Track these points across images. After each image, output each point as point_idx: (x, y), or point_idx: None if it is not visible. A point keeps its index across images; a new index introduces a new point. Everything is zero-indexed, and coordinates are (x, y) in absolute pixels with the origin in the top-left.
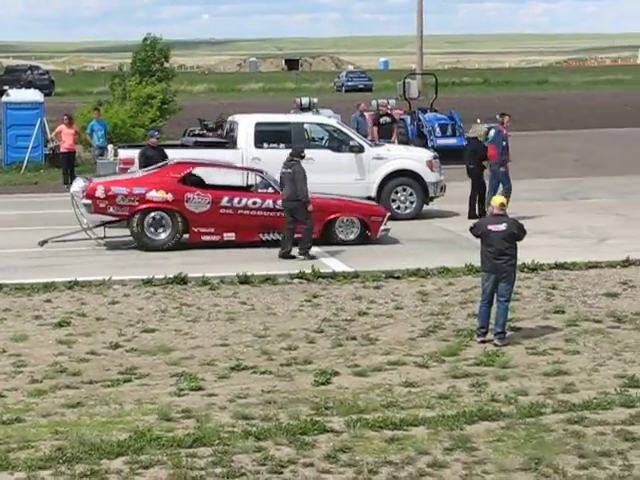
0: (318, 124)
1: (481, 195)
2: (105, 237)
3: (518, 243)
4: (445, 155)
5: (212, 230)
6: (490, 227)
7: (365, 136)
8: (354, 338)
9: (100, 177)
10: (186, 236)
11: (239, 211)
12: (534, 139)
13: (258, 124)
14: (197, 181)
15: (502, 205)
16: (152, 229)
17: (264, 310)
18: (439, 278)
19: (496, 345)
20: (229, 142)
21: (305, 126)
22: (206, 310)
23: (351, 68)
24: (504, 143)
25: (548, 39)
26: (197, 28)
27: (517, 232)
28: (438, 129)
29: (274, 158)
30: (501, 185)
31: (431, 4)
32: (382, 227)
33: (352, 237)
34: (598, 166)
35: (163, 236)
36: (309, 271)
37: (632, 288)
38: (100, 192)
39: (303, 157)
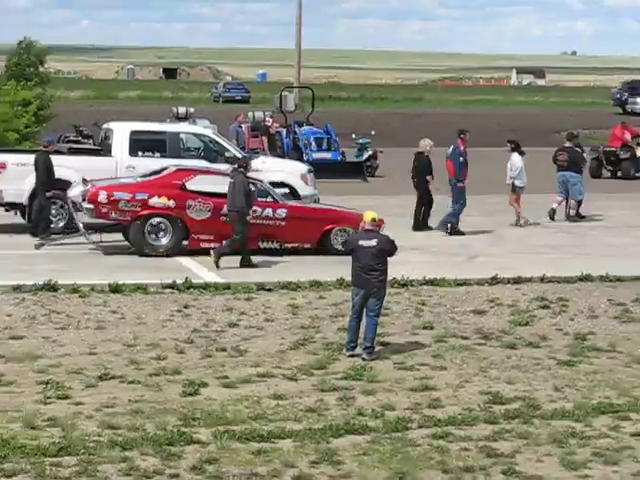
0: (194, 134)
1: (427, 208)
2: (102, 241)
3: (390, 259)
4: (320, 169)
5: (211, 237)
6: (361, 243)
7: (243, 148)
8: (224, 349)
9: (99, 181)
10: (185, 242)
11: None
12: (409, 155)
13: (133, 132)
14: (198, 188)
15: (373, 220)
16: (153, 235)
17: (134, 319)
18: (310, 291)
19: (365, 359)
20: (103, 149)
21: (181, 136)
22: (75, 318)
23: (229, 79)
24: (461, 159)
25: (424, 57)
26: (77, 34)
27: (388, 248)
28: (314, 143)
29: (148, 167)
30: (452, 201)
31: (311, 18)
32: None
33: None
34: (468, 185)
35: (164, 241)
36: (181, 281)
37: (499, 306)
38: (103, 197)
39: (248, 168)
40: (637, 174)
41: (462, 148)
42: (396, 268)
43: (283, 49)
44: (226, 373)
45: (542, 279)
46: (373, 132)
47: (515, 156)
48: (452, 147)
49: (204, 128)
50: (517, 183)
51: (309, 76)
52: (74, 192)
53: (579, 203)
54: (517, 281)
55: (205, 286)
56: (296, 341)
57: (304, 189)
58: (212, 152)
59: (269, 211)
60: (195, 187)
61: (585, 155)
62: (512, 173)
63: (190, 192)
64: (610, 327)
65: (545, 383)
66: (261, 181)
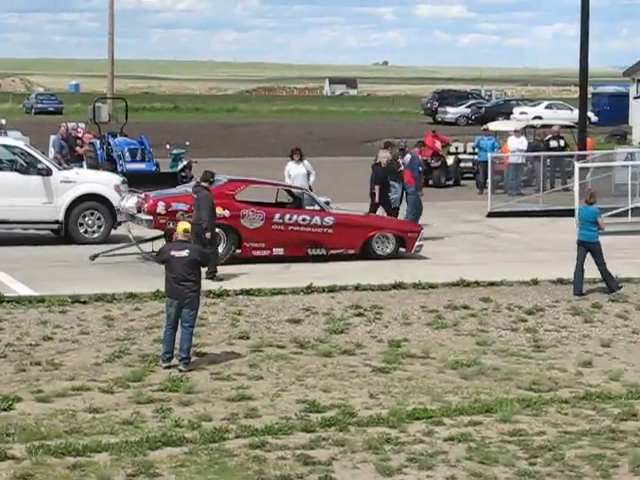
0: (5, 146)
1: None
2: (154, 251)
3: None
4: (134, 180)
5: (263, 245)
6: (173, 253)
7: (68, 160)
8: (38, 363)
9: (150, 193)
10: (238, 251)
11: (289, 227)
12: (223, 165)
13: None
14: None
15: (186, 231)
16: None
17: None
18: (126, 303)
19: (181, 370)
20: None
21: None
22: None
23: (41, 90)
24: (420, 168)
25: (238, 67)
26: None
27: (200, 259)
28: (128, 154)
29: None
30: (409, 208)
31: (124, 28)
32: (417, 243)
33: (388, 252)
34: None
35: (219, 250)
36: None
37: (314, 314)
38: (161, 208)
39: (212, 182)
40: (448, 182)
41: (420, 158)
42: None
43: (96, 60)
44: (41, 387)
45: (357, 287)
46: (188, 142)
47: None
48: (410, 157)
49: (16, 140)
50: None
51: (123, 87)
52: (129, 203)
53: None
54: (332, 289)
55: (19, 300)
56: (112, 354)
57: (118, 200)
58: (24, 164)
59: (317, 219)
60: (247, 197)
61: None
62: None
63: (243, 202)
64: (423, 333)
65: (360, 390)
66: (305, 190)
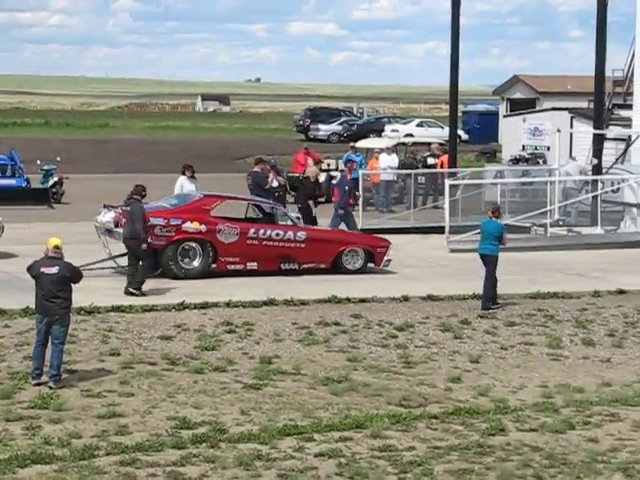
0: None
1: None
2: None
3: (76, 286)
4: (4, 196)
5: (237, 259)
6: (43, 269)
7: None
8: None
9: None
10: (213, 265)
11: (263, 242)
12: (95, 182)
13: None
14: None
15: (56, 248)
16: (187, 259)
17: None
18: None
19: (51, 388)
20: None
21: None
22: None
23: None
24: (346, 187)
25: (110, 83)
26: None
27: (70, 275)
28: None
29: None
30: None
31: None
32: (386, 257)
33: (357, 266)
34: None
35: (196, 264)
36: None
37: (186, 331)
38: None
39: (144, 196)
40: (320, 199)
41: (348, 177)
42: (81, 295)
43: None
44: None
45: (228, 304)
46: (59, 158)
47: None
48: (340, 175)
49: None
50: None
51: None
52: (107, 218)
53: None
54: (204, 306)
55: None
56: None
57: None
58: None
59: (290, 234)
60: (221, 213)
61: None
62: None
63: (219, 217)
64: (294, 350)
65: (231, 407)
66: (278, 206)
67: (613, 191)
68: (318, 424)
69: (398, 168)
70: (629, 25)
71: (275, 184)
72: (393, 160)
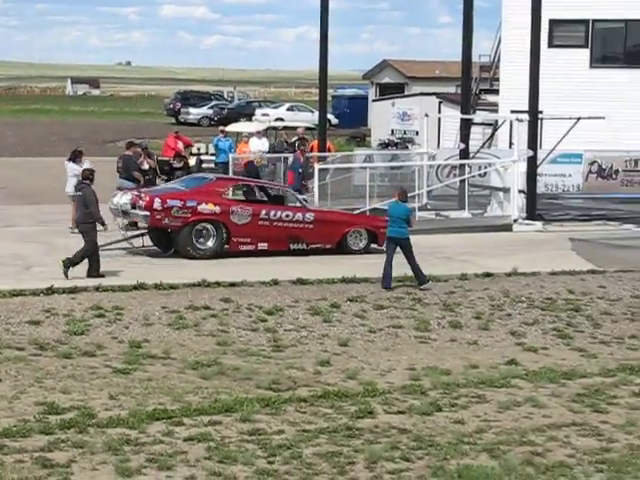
0: None
1: None
2: (144, 246)
3: None
4: None
5: (249, 240)
6: None
7: None
8: None
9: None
10: (226, 246)
11: (274, 223)
12: None
13: None
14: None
15: None
16: (201, 239)
17: None
18: None
19: None
20: None
21: None
22: None
23: None
24: (300, 170)
25: None
26: None
27: None
28: None
29: None
30: None
31: None
32: None
33: (361, 246)
34: (24, 195)
35: (210, 244)
36: None
37: (55, 316)
38: (157, 204)
39: (92, 179)
40: None
41: (301, 160)
42: None
43: None
44: None
45: (97, 288)
46: None
47: (71, 165)
48: (292, 158)
49: None
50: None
51: None
52: (124, 200)
53: None
54: (72, 291)
55: None
56: None
57: None
58: None
59: (299, 215)
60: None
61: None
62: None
63: (232, 199)
64: (164, 334)
65: (100, 392)
66: (287, 189)
67: (480, 175)
68: (187, 408)
69: (268, 152)
70: (495, 11)
71: (146, 167)
72: (263, 144)
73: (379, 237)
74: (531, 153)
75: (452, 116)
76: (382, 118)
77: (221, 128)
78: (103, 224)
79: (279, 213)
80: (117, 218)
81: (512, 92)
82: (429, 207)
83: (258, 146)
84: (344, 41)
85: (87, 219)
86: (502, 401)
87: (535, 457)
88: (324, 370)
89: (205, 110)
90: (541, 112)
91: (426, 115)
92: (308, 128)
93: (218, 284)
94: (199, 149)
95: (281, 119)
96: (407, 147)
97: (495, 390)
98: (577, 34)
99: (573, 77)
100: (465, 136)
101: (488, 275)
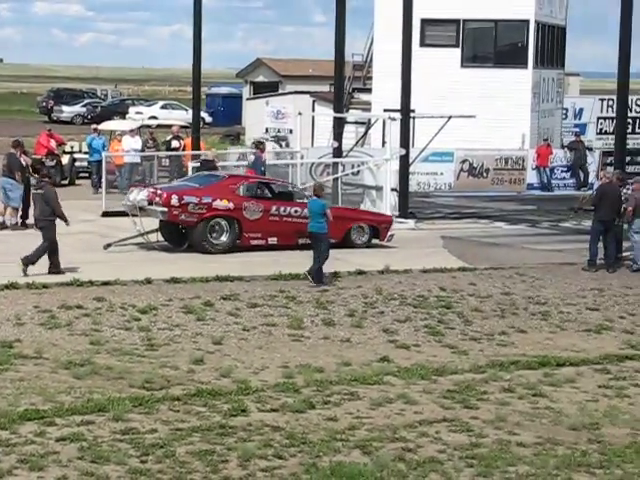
0: None
1: None
2: (158, 241)
3: None
4: None
5: (259, 235)
6: None
7: None
8: None
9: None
10: (237, 241)
11: (284, 218)
12: None
13: None
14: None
15: None
16: (215, 234)
17: None
18: None
19: None
20: None
21: None
22: None
23: None
24: (262, 168)
25: None
26: None
27: None
28: None
29: None
30: None
31: None
32: (389, 233)
33: (364, 240)
34: None
35: (224, 239)
36: None
37: None
38: (175, 201)
39: (50, 177)
40: (63, 182)
41: (263, 158)
42: None
43: None
44: None
45: None
46: None
47: None
48: (254, 157)
49: None
50: None
51: None
52: (140, 196)
53: (17, 210)
54: None
55: None
56: None
57: None
58: None
59: (307, 211)
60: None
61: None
62: None
63: (245, 196)
64: (36, 334)
65: None
66: (295, 185)
67: (353, 174)
68: (60, 408)
69: (142, 150)
70: (369, 10)
71: (23, 163)
72: (136, 142)
73: (381, 232)
74: (403, 152)
75: (325, 115)
76: (256, 117)
77: (94, 126)
78: (66, 221)
79: (288, 209)
80: (131, 214)
81: (385, 91)
82: None
83: (131, 144)
84: (219, 39)
85: (47, 216)
86: (374, 398)
87: (406, 453)
88: (198, 369)
89: (78, 108)
90: (413, 111)
91: (299, 114)
92: (182, 126)
93: (91, 283)
94: (72, 147)
95: (155, 117)
96: (281, 145)
97: (368, 387)
98: (448, 34)
99: (445, 76)
100: (338, 135)
101: (361, 273)
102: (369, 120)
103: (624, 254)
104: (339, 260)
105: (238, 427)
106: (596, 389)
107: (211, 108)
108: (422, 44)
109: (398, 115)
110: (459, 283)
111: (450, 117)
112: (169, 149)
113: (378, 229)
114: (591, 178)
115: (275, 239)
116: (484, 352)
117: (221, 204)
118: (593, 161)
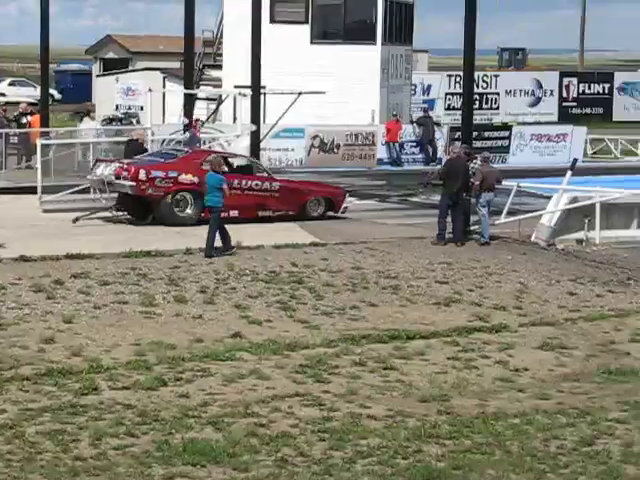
0: None
1: None
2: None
3: None
4: None
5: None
6: None
7: None
8: None
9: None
10: (202, 214)
11: (245, 191)
12: None
13: None
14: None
15: None
16: (180, 207)
17: None
18: None
19: None
20: None
21: None
22: None
23: None
24: (198, 145)
25: None
26: None
27: None
28: None
29: None
30: None
31: None
32: (343, 205)
33: (320, 212)
34: None
35: (189, 212)
36: None
37: None
38: (142, 175)
39: None
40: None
41: (198, 134)
42: None
43: None
44: None
45: None
46: None
47: None
48: (189, 134)
49: None
50: None
51: None
52: (108, 171)
53: None
54: None
55: None
56: None
57: None
58: None
59: (267, 184)
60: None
61: None
62: None
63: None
64: None
65: None
66: (254, 160)
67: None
68: None
69: None
70: None
71: None
72: None
73: (336, 205)
74: (254, 128)
75: (176, 91)
76: (107, 94)
77: None
78: None
79: (249, 182)
80: (96, 189)
81: (235, 67)
82: None
83: None
84: (68, 16)
85: None
86: (227, 374)
87: (259, 428)
88: (48, 348)
89: None
90: (264, 87)
91: (150, 90)
92: (31, 103)
93: None
94: None
95: (3, 94)
96: (132, 122)
97: (220, 363)
98: (297, 10)
99: (295, 53)
100: (188, 111)
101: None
102: (220, 96)
103: (472, 228)
104: (196, 236)
105: (89, 406)
106: (445, 361)
107: (61, 85)
108: (272, 21)
109: (249, 91)
110: (311, 258)
111: (300, 93)
112: (19, 126)
113: (333, 201)
114: (440, 153)
115: (236, 212)
116: (336, 326)
117: (186, 178)
118: (441, 136)
